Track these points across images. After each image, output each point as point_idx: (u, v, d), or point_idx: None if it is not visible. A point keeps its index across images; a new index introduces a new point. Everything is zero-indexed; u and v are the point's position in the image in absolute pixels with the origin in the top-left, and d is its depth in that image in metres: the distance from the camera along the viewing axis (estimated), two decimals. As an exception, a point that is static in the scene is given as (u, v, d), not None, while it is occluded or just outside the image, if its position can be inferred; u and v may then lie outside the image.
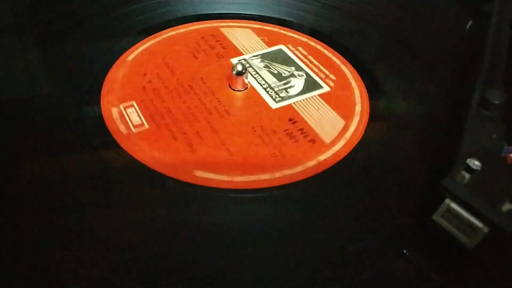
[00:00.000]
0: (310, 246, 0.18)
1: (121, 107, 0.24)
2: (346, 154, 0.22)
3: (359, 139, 0.23)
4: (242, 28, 0.31)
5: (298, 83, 0.27)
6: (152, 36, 0.30)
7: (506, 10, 0.29)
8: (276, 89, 0.26)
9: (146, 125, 0.23)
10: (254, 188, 0.20)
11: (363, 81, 0.27)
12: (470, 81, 0.23)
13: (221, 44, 0.29)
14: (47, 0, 0.32)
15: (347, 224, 0.19)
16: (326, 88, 0.26)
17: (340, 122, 0.24)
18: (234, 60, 0.28)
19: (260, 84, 0.26)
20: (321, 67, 0.28)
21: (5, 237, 0.17)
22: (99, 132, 0.23)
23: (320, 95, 0.26)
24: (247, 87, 0.26)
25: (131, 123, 0.23)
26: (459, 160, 0.18)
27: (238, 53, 0.29)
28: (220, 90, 0.26)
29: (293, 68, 0.28)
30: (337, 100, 0.26)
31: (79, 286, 0.16)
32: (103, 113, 0.24)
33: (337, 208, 0.20)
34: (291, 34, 0.31)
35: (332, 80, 0.27)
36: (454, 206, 0.17)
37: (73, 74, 0.26)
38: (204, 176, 0.21)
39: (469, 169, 0.18)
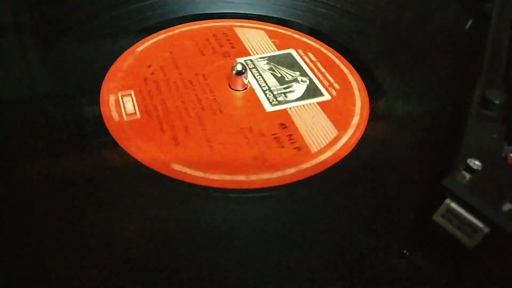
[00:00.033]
0: (274, 248, 0.18)
1: (119, 95, 0.25)
2: (330, 165, 0.22)
3: (348, 152, 0.22)
4: (256, 29, 0.31)
5: (299, 89, 0.26)
6: (165, 30, 0.30)
7: (506, 10, 0.29)
8: (275, 92, 0.26)
9: (138, 115, 0.24)
10: (227, 188, 0.20)
11: (367, 88, 0.26)
12: (470, 81, 0.23)
13: (231, 43, 0.30)
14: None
15: (332, 226, 0.18)
16: (326, 96, 0.26)
17: (333, 132, 0.23)
18: (239, 60, 0.28)
19: (260, 85, 0.26)
20: (327, 74, 0.27)
21: (4, 237, 0.18)
22: (93, 120, 0.23)
23: (319, 103, 0.25)
24: (246, 88, 0.26)
25: (125, 111, 0.24)
26: (460, 160, 0.18)
27: (246, 53, 0.29)
28: (219, 88, 0.26)
29: (297, 73, 0.27)
30: (336, 110, 0.25)
31: (78, 286, 0.16)
32: (100, 99, 0.24)
33: (317, 215, 0.19)
34: (304, 39, 0.30)
35: (335, 89, 0.26)
36: (454, 206, 0.17)
37: (87, 68, 0.27)
38: (180, 170, 0.21)
39: (469, 169, 0.18)
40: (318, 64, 0.28)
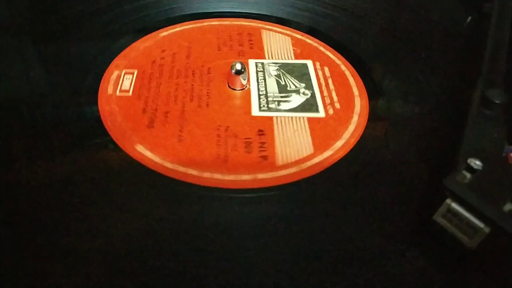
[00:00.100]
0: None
1: (123, 72, 0.26)
2: (288, 182, 0.20)
3: (315, 173, 0.21)
4: (283, 35, 0.31)
5: (296, 100, 0.25)
6: (194, 21, 0.31)
7: (506, 10, 0.29)
8: (270, 99, 0.25)
9: (130, 93, 0.25)
10: (178, 179, 0.20)
11: (369, 114, 0.24)
12: (471, 80, 0.23)
13: (251, 43, 0.29)
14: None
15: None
16: (321, 114, 0.24)
17: (307, 151, 0.22)
18: (251, 61, 0.28)
19: (258, 89, 0.26)
20: (333, 92, 0.26)
21: (3, 237, 0.17)
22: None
23: (310, 118, 0.24)
24: (244, 88, 0.26)
25: (120, 87, 0.25)
26: (460, 159, 0.18)
27: (261, 56, 0.28)
28: (217, 84, 0.26)
29: (303, 85, 0.26)
30: (323, 129, 0.23)
31: (77, 286, 0.16)
32: (105, 73, 0.26)
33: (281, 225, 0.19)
34: (328, 52, 0.29)
35: (335, 108, 0.25)
36: (455, 206, 0.17)
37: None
38: (141, 152, 0.21)
39: (470, 169, 0.18)
40: (330, 81, 0.27)
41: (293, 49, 0.29)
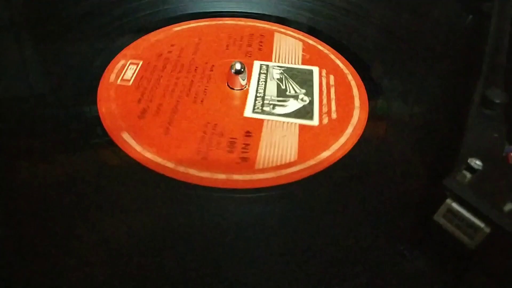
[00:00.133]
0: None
1: (129, 62, 0.27)
2: (262, 186, 0.20)
3: (291, 181, 0.20)
4: (295, 39, 0.30)
5: (292, 106, 0.25)
6: (210, 19, 0.31)
7: (506, 10, 0.29)
8: (266, 102, 0.25)
9: (130, 83, 0.25)
10: (154, 170, 0.20)
11: (366, 127, 0.24)
12: (471, 80, 0.23)
13: (261, 45, 0.29)
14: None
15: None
16: (314, 122, 0.24)
17: (291, 157, 0.22)
18: (256, 63, 0.28)
19: (257, 90, 0.25)
20: (333, 102, 0.25)
21: (2, 237, 0.17)
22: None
23: (302, 126, 0.23)
24: (243, 88, 0.26)
25: (122, 76, 0.26)
26: (460, 159, 0.18)
27: (268, 58, 0.28)
28: (217, 82, 0.26)
29: (303, 91, 0.26)
30: (313, 138, 0.23)
31: (77, 286, 0.16)
32: (112, 61, 0.27)
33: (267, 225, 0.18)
34: (338, 61, 0.28)
35: (331, 119, 0.24)
36: (455, 206, 0.17)
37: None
38: (126, 140, 0.22)
39: (470, 169, 0.18)
40: (332, 89, 0.26)
41: (302, 55, 0.29)
